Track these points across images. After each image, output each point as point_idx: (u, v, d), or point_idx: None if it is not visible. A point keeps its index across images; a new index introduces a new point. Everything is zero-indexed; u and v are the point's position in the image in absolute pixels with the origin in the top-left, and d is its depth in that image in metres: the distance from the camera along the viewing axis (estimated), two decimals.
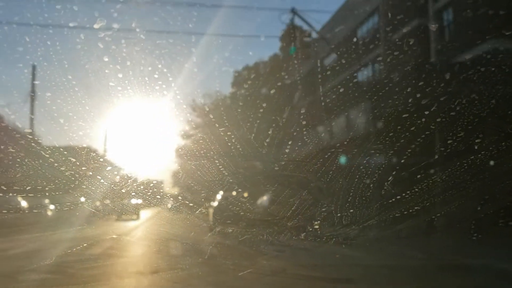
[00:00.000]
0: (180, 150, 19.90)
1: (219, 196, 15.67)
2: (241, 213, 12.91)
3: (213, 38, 21.72)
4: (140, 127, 16.05)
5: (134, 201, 15.92)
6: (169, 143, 20.95)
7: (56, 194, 13.40)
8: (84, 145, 11.62)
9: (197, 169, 14.15)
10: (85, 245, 8.96)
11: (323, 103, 19.61)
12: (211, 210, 15.16)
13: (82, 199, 12.08)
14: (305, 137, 14.39)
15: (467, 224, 10.45)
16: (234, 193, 15.28)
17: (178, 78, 14.30)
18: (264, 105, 16.37)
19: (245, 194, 15.05)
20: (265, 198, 14.70)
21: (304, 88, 22.24)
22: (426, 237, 10.71)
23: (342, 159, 11.76)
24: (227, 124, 15.88)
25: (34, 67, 17.07)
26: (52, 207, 14.63)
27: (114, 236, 10.62)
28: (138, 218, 16.86)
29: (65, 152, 10.75)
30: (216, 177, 12.88)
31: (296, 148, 14.15)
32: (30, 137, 10.85)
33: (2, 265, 7.18)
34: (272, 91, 20.33)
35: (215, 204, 15.18)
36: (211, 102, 26.55)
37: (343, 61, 20.76)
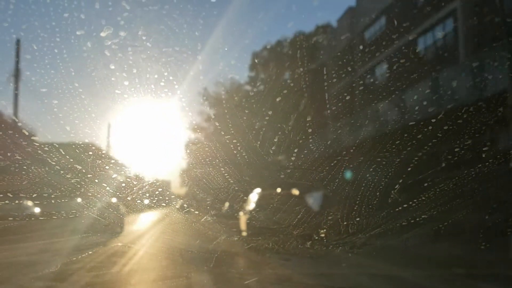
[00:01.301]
0: (191, 144, 19.35)
1: (254, 197, 12.23)
2: (295, 218, 10.10)
3: (219, 45, 21.76)
4: (147, 134, 16.11)
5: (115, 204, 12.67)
6: (176, 147, 20.93)
7: (61, 201, 13.42)
8: (90, 153, 11.60)
9: (203, 176, 14.13)
10: (90, 252, 8.95)
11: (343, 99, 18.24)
12: (242, 216, 12.08)
13: (78, 199, 12.10)
14: (311, 145, 14.34)
15: (475, 233, 10.36)
16: (278, 190, 11.98)
17: (184, 85, 14.35)
18: (270, 113, 16.33)
19: (295, 192, 11.67)
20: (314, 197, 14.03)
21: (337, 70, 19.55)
22: (434, 246, 10.61)
23: (348, 167, 11.71)
24: (243, 115, 15.62)
25: (18, 42, 16.44)
26: (57, 213, 14.63)
27: (119, 244, 10.60)
28: (121, 231, 13.12)
29: (71, 160, 10.76)
30: (222, 184, 12.86)
31: (302, 155, 14.10)
32: (37, 144, 10.87)
33: (7, 272, 7.17)
34: (295, 75, 18.26)
35: (250, 207, 11.79)
36: (225, 90, 25.15)
37: (396, 27, 17.13)
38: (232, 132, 13.25)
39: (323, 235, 10.52)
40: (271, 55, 25.06)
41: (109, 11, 10.61)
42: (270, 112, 16.19)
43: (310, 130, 14.30)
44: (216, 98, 24.52)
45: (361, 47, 20.77)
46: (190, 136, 20.01)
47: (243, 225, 11.68)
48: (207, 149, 14.19)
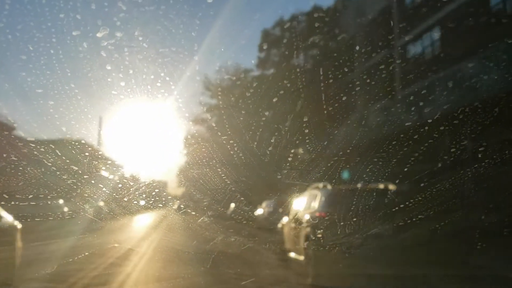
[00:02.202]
0: (189, 142, 18.90)
1: (316, 195, 8.08)
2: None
3: (216, 45, 21.71)
4: (143, 135, 16.09)
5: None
6: (172, 148, 20.88)
7: (57, 203, 13.37)
8: (86, 153, 11.57)
9: (199, 177, 14.12)
10: (86, 254, 8.91)
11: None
12: (289, 226, 8.74)
13: (60, 201, 11.86)
14: (307, 145, 14.30)
15: (472, 233, 10.39)
16: (359, 185, 8.17)
17: (181, 86, 14.35)
18: (267, 113, 16.30)
19: (391, 187, 8.29)
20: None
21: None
22: (430, 246, 10.62)
23: (345, 168, 11.70)
24: (246, 107, 15.09)
25: None
26: (53, 215, 14.59)
27: (116, 245, 10.56)
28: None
29: (68, 161, 10.73)
30: (219, 185, 12.85)
31: (299, 156, 14.09)
32: (33, 145, 10.84)
33: (2, 274, 7.12)
34: (313, 52, 17.05)
35: (311, 211, 7.80)
36: (229, 77, 23.30)
37: None
38: (229, 132, 13.24)
39: (319, 235, 10.51)
40: (284, 33, 22.25)
41: (105, 12, 10.58)
42: (266, 113, 16.19)
43: (306, 131, 14.27)
44: (217, 86, 23.80)
45: (400, 12, 17.36)
46: (189, 129, 19.86)
47: (292, 241, 8.13)
48: (203, 149, 14.19)
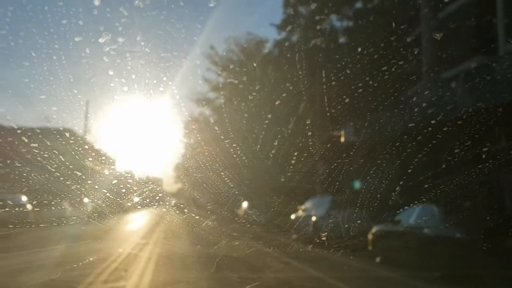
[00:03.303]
0: (194, 121, 18.29)
1: None
2: None
3: (217, 49, 21.74)
4: (148, 139, 16.14)
5: None
6: (175, 150, 20.89)
7: (62, 208, 13.40)
8: (90, 159, 11.59)
9: (203, 181, 14.11)
10: (91, 259, 8.90)
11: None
12: None
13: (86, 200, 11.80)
14: (310, 148, 14.21)
15: (477, 234, 10.32)
16: None
17: (183, 90, 14.40)
18: (269, 116, 16.21)
19: None
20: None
21: None
22: (436, 247, 10.57)
23: (349, 170, 11.64)
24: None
25: None
26: (56, 218, 14.62)
27: (120, 250, 10.55)
28: None
29: (71, 166, 10.74)
30: (222, 189, 12.84)
31: (302, 158, 14.00)
32: (36, 151, 10.87)
33: (5, 281, 7.12)
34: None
35: None
36: (241, 49, 22.08)
37: None
38: (231, 136, 13.23)
39: (324, 238, 10.49)
40: None
41: (107, 17, 10.59)
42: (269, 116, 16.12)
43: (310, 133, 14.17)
44: (227, 59, 22.73)
45: None
46: (191, 133, 19.81)
47: None
48: (206, 153, 14.18)
